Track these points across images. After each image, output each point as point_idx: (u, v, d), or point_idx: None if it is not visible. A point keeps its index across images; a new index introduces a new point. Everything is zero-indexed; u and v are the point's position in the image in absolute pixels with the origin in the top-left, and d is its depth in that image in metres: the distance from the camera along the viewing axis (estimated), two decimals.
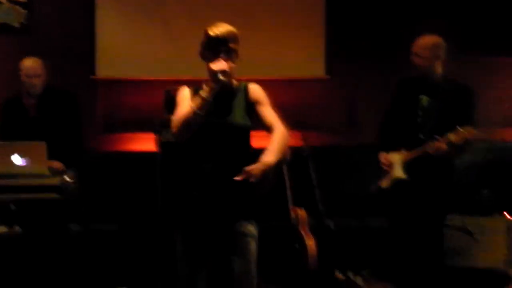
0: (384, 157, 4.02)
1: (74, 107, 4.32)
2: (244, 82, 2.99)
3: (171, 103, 4.54)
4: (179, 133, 2.79)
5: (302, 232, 4.41)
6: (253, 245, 2.93)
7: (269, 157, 2.76)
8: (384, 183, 4.03)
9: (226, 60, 2.79)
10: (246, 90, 2.95)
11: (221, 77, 2.73)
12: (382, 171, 4.05)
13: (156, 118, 4.56)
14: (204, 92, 2.74)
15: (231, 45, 2.82)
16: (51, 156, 3.91)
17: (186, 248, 2.89)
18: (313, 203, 4.62)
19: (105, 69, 5.27)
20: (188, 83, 2.99)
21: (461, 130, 3.61)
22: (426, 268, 3.92)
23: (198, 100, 2.74)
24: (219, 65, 2.75)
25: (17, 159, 3.79)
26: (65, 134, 4.18)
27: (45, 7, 5.35)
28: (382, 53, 5.64)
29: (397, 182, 3.96)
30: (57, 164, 4.05)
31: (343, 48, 5.64)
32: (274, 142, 2.83)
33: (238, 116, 2.89)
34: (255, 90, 2.97)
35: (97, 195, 4.73)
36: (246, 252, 2.90)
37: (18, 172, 3.79)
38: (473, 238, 4.52)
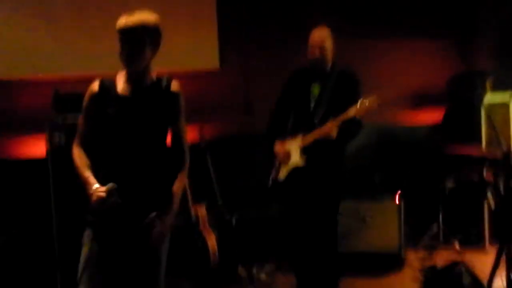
0: (280, 145, 4.05)
1: None
2: (166, 79, 2.82)
3: (59, 103, 4.42)
4: None
5: (203, 230, 4.44)
6: (164, 257, 2.85)
7: (173, 208, 2.75)
8: (282, 174, 4.06)
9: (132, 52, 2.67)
10: (168, 91, 2.79)
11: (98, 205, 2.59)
12: (278, 160, 4.08)
13: (47, 120, 4.41)
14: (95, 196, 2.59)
15: (140, 37, 2.66)
16: None
17: (96, 254, 2.71)
18: (213, 198, 4.65)
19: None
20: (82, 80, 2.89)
21: (365, 100, 3.75)
22: (321, 255, 4.02)
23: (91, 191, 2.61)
24: (97, 194, 2.58)
25: None
26: None
27: None
28: (274, 42, 5.70)
29: (293, 170, 4.02)
30: None
31: (235, 39, 5.66)
32: (178, 188, 2.79)
33: (155, 119, 2.75)
34: (177, 93, 2.81)
35: None
36: (158, 261, 2.82)
37: None
38: (365, 223, 4.68)
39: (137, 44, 2.65)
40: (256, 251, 4.83)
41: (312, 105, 3.99)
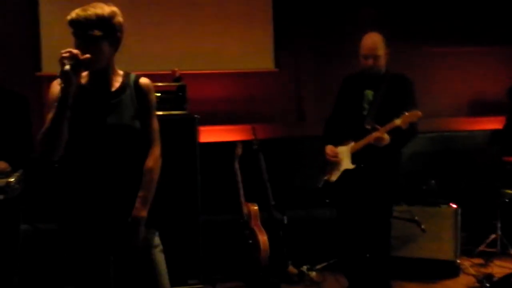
0: (330, 149, 4.05)
1: (23, 108, 4.20)
2: (133, 75, 2.60)
3: None
4: (44, 145, 2.37)
5: (255, 228, 4.44)
6: (160, 256, 2.60)
7: (140, 211, 2.49)
8: (333, 176, 4.05)
9: (86, 48, 2.36)
10: (137, 87, 2.57)
11: (66, 66, 2.26)
12: (328, 164, 4.08)
13: None
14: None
15: (92, 31, 2.38)
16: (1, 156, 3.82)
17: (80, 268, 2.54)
18: (265, 197, 4.65)
19: (50, 65, 5.14)
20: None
21: (406, 113, 3.71)
22: (374, 259, 3.96)
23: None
24: (65, 52, 2.30)
25: None
26: (14, 135, 4.06)
27: None
28: (329, 46, 5.70)
29: (345, 172, 3.99)
30: (1, 165, 3.94)
31: (291, 41, 5.68)
32: (147, 186, 2.52)
33: (127, 117, 2.51)
34: (147, 89, 2.59)
35: (44, 194, 4.62)
36: (154, 265, 2.56)
37: None
38: (420, 228, 4.59)
39: (91, 39, 2.40)
40: (306, 251, 4.79)
41: (365, 110, 3.96)
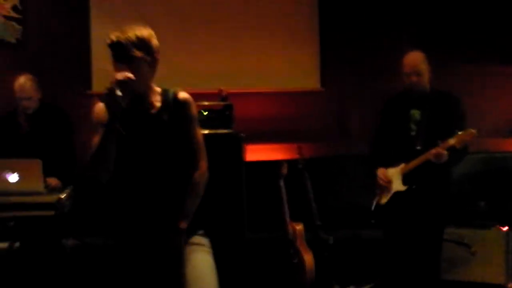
0: (382, 173, 4.00)
1: (67, 124, 4.33)
2: (172, 91, 2.59)
3: None
4: (94, 169, 2.43)
5: (300, 247, 4.41)
6: (205, 256, 2.62)
7: (180, 222, 2.50)
8: (383, 199, 4.01)
9: (128, 70, 2.39)
10: (176, 102, 2.56)
11: (118, 92, 2.31)
12: (379, 186, 4.04)
13: None
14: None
15: (133, 52, 2.41)
16: (46, 173, 3.91)
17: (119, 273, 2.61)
18: (310, 217, 4.62)
19: (100, 83, 5.26)
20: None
21: (460, 133, 3.65)
22: (422, 281, 3.89)
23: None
24: (118, 75, 2.34)
25: (12, 177, 3.78)
26: (59, 151, 4.17)
27: (40, 23, 5.34)
28: (374, 65, 5.66)
29: (395, 194, 3.95)
30: (53, 181, 4.04)
31: (336, 61, 5.67)
32: (191, 198, 2.54)
33: (169, 136, 2.54)
34: (187, 102, 2.59)
35: (92, 209, 4.71)
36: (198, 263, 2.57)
37: (13, 190, 3.77)
38: (470, 251, 4.49)
39: (133, 60, 2.42)
40: (352, 272, 4.72)
41: (413, 131, 3.91)
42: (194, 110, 2.60)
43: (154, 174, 2.51)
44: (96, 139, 2.42)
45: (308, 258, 4.33)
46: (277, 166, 4.65)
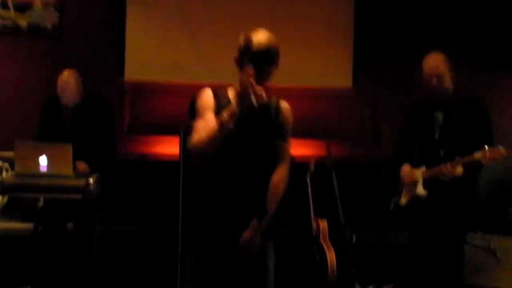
0: (408, 170, 3.94)
1: (110, 115, 4.37)
2: (274, 97, 2.73)
3: (195, 110, 4.62)
4: (205, 147, 2.54)
5: (323, 243, 4.40)
6: (271, 267, 2.75)
7: (263, 223, 2.65)
8: (403, 200, 3.97)
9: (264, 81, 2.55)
10: (278, 109, 2.72)
11: (255, 104, 2.45)
12: (401, 186, 3.99)
13: (182, 125, 4.60)
14: (231, 108, 2.51)
15: (273, 67, 2.59)
16: (84, 159, 4.00)
17: (198, 269, 2.69)
18: (335, 214, 4.60)
19: (133, 72, 5.34)
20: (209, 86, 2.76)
21: (488, 149, 3.53)
22: (446, 285, 3.85)
23: (227, 114, 2.49)
24: (259, 92, 2.45)
25: (43, 160, 3.84)
26: (99, 140, 4.23)
27: (77, 10, 5.44)
28: (407, 69, 5.60)
29: (416, 198, 3.89)
30: (82, 166, 4.09)
31: (369, 61, 5.66)
32: (271, 200, 2.72)
33: (266, 133, 2.69)
34: (288, 113, 2.76)
35: (121, 196, 4.78)
36: (265, 275, 2.72)
37: (44, 172, 3.84)
38: (496, 258, 4.43)
39: (272, 65, 2.59)
40: (374, 272, 4.72)
41: (437, 134, 3.84)
42: (291, 121, 2.77)
43: (246, 173, 2.64)
44: (200, 123, 2.57)
45: (331, 255, 4.31)
46: (305, 162, 4.64)
